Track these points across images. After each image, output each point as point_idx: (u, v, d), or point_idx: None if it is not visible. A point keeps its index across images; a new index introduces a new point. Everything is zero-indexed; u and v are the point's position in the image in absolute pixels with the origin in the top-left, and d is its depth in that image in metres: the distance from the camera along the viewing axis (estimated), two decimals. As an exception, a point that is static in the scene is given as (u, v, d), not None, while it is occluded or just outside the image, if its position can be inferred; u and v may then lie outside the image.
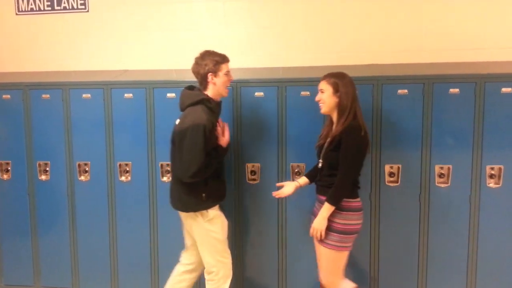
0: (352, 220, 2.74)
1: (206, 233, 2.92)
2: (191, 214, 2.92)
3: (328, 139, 2.78)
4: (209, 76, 2.83)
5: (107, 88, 3.43)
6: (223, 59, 2.86)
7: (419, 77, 3.10)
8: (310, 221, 2.86)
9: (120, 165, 3.48)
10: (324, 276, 2.84)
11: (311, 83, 3.16)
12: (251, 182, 3.32)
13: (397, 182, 3.16)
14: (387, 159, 3.15)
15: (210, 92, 2.87)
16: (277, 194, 2.95)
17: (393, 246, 3.22)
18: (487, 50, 3.30)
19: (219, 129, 2.92)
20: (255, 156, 3.30)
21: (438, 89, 3.07)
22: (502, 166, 3.08)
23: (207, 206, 2.89)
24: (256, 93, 3.27)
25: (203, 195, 2.86)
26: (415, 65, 3.42)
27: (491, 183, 3.10)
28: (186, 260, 3.13)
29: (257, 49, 3.58)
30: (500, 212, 3.10)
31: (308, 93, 3.20)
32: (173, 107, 3.33)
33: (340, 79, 2.74)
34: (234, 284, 3.14)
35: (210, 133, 2.78)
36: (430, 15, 3.44)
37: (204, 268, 3.02)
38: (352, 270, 3.16)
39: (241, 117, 3.29)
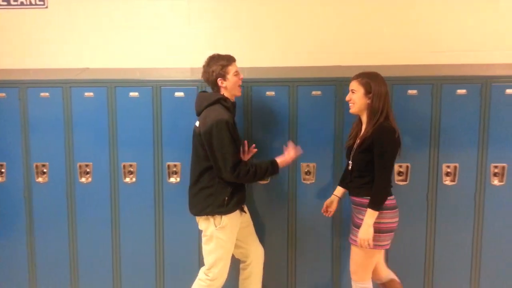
0: (386, 219, 2.65)
1: (216, 240, 2.82)
2: (205, 218, 2.81)
3: (358, 141, 2.70)
4: (219, 81, 2.78)
5: (66, 87, 3.23)
6: (229, 60, 2.79)
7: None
8: (349, 227, 2.82)
9: (80, 166, 3.29)
10: (353, 270, 2.77)
11: (277, 84, 3.10)
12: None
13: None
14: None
15: (223, 93, 2.82)
16: (328, 214, 2.94)
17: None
18: (444, 53, 3.35)
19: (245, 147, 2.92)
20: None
21: (397, 91, 3.07)
22: (457, 164, 3.13)
23: (225, 211, 2.79)
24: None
25: (226, 198, 2.76)
26: (378, 67, 3.40)
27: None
28: (243, 260, 3.04)
29: (223, 49, 3.44)
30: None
31: (273, 93, 3.13)
32: (136, 107, 3.21)
33: (372, 79, 2.64)
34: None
35: (233, 130, 2.72)
36: (391, 18, 3.46)
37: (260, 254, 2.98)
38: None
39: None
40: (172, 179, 3.26)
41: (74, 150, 3.28)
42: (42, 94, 3.24)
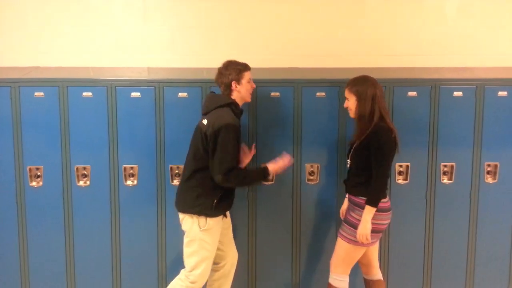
0: (379, 220, 2.66)
1: (199, 242, 2.71)
2: (191, 216, 2.70)
3: (357, 141, 2.70)
4: (233, 84, 2.73)
5: (15, 86, 2.98)
6: (245, 67, 2.77)
7: (336, 81, 3.06)
8: (340, 219, 2.82)
9: (30, 169, 3.04)
10: (334, 260, 2.77)
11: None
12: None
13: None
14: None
15: (234, 98, 2.76)
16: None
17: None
18: (396, 56, 3.38)
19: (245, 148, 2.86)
20: (180, 157, 3.05)
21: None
22: (409, 164, 3.16)
23: (211, 214, 2.70)
24: (180, 94, 3.03)
25: (215, 201, 2.67)
26: (333, 70, 3.40)
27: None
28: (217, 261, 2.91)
29: (180, 48, 3.34)
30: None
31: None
32: (89, 107, 3.01)
33: (360, 85, 2.66)
34: None
35: (239, 137, 2.71)
36: (346, 23, 3.45)
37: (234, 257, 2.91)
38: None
39: (165, 118, 3.03)
40: (129, 182, 3.08)
41: (24, 152, 3.04)
42: (-13, 93, 2.98)
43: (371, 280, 2.89)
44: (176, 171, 3.08)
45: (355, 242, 2.68)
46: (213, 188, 2.68)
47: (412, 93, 3.11)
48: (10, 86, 2.98)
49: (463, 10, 3.38)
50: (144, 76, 3.18)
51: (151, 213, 3.10)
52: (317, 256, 3.20)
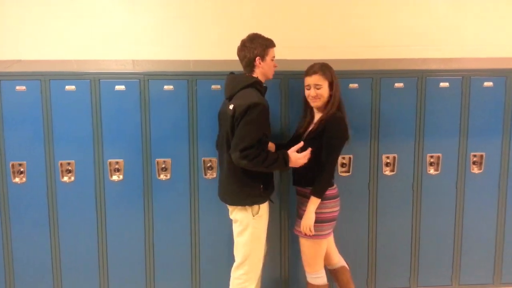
0: (328, 208, 2.56)
1: (252, 230, 2.56)
2: (242, 207, 2.55)
3: (310, 128, 2.56)
4: (257, 60, 2.52)
5: (-5, 80, 2.82)
6: (271, 43, 2.57)
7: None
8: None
9: (13, 165, 2.88)
10: (305, 265, 2.67)
11: (222, 77, 2.87)
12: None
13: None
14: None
15: (256, 75, 2.56)
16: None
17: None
18: (382, 47, 3.28)
19: None
20: (167, 150, 2.93)
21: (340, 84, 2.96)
22: (396, 155, 3.08)
23: (263, 199, 2.56)
24: (166, 87, 2.89)
25: (261, 186, 2.52)
26: (319, 61, 3.27)
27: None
28: None
29: (167, 40, 3.17)
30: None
31: (219, 86, 2.89)
32: (72, 101, 2.85)
33: (330, 69, 2.53)
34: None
35: (268, 115, 2.49)
36: (331, 14, 3.34)
37: None
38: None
39: (150, 111, 2.89)
40: (115, 177, 2.94)
41: (6, 148, 2.87)
42: (-33, 88, 2.80)
43: (335, 269, 2.80)
44: (163, 165, 2.94)
45: (314, 236, 2.56)
46: (255, 174, 2.51)
47: (399, 85, 3.02)
48: (-10, 80, 2.82)
49: (449, 1, 3.30)
50: (129, 69, 3.03)
51: (138, 209, 2.97)
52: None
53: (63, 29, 3.25)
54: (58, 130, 2.87)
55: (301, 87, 2.66)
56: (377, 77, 3.00)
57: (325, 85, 2.53)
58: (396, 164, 3.07)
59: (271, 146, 2.77)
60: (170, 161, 2.94)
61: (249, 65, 2.56)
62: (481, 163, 3.11)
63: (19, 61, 3.21)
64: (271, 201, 2.70)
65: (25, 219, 2.93)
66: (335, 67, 3.08)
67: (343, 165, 3.05)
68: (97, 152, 2.91)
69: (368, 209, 3.09)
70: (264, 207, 2.60)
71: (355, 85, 3.00)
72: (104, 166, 2.92)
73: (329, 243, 2.74)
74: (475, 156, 3.10)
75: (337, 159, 2.57)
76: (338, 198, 2.63)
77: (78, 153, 2.90)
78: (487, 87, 3.05)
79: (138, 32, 3.18)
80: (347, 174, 3.05)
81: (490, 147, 3.10)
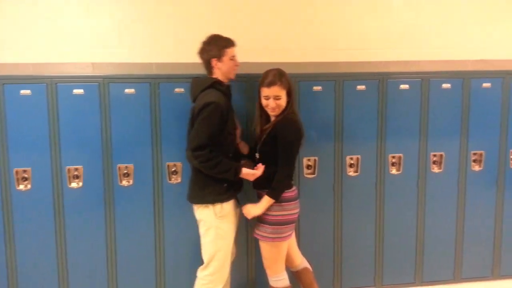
0: (287, 211, 2.51)
1: (215, 230, 2.49)
2: (205, 206, 2.49)
3: (265, 133, 2.50)
4: (213, 61, 2.51)
5: None
6: (229, 43, 2.54)
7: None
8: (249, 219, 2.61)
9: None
10: (266, 267, 2.61)
11: (186, 80, 2.80)
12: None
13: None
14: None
15: (216, 76, 2.55)
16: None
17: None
18: (344, 50, 3.28)
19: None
20: (128, 156, 2.82)
21: (304, 87, 2.95)
22: (359, 156, 3.09)
23: (226, 198, 2.50)
24: (127, 90, 2.78)
25: (225, 185, 2.47)
26: (283, 64, 3.23)
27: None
28: None
29: (128, 43, 3.03)
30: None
31: (182, 90, 2.81)
32: (28, 105, 2.70)
33: (286, 75, 2.48)
34: None
35: (226, 115, 2.45)
36: (294, 17, 3.30)
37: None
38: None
39: (111, 116, 2.78)
40: (74, 184, 2.80)
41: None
42: None
43: (297, 271, 2.77)
44: (125, 171, 2.83)
45: (274, 239, 2.52)
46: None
47: (361, 87, 3.03)
48: None
49: (408, 4, 3.33)
50: (88, 72, 2.90)
51: (98, 216, 2.84)
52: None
53: (19, 32, 3.06)
54: (13, 137, 2.71)
55: (256, 93, 2.58)
56: (339, 80, 3.00)
57: (283, 95, 2.47)
58: (359, 165, 3.08)
59: (244, 147, 2.72)
60: (133, 167, 2.83)
61: (207, 66, 2.56)
62: (440, 163, 3.16)
63: (-30, 64, 3.01)
64: (237, 202, 2.65)
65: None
66: (298, 70, 3.08)
67: (308, 167, 3.03)
68: (55, 159, 2.76)
69: (334, 209, 3.08)
70: (228, 207, 2.54)
71: (319, 88, 2.99)
72: (63, 173, 2.77)
73: (290, 245, 2.70)
74: (435, 155, 3.15)
75: (293, 161, 2.51)
76: (298, 200, 2.59)
77: (34, 160, 2.75)
78: (446, 89, 3.11)
79: (97, 35, 3.02)
80: (313, 176, 3.04)
81: (449, 147, 3.16)
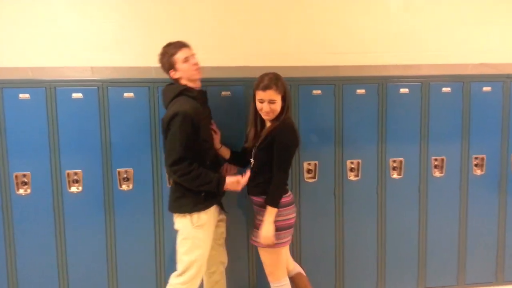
0: (284, 216, 2.47)
1: (192, 240, 2.45)
2: (183, 215, 2.44)
3: (261, 138, 2.47)
4: (171, 73, 2.47)
5: None
6: (175, 48, 2.45)
7: (288, 79, 2.90)
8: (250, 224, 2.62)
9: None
10: (268, 273, 2.58)
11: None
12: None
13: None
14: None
15: (182, 82, 2.47)
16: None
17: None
18: (344, 54, 3.28)
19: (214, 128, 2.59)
20: (128, 160, 2.80)
21: (303, 91, 2.92)
22: (360, 160, 3.06)
23: (203, 207, 2.44)
24: (126, 94, 2.76)
25: (202, 194, 2.41)
26: (283, 68, 3.24)
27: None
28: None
29: (127, 46, 3.05)
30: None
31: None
32: (27, 109, 2.69)
33: (281, 80, 2.43)
34: None
35: (198, 122, 2.38)
36: (293, 21, 3.32)
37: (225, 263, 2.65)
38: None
39: (110, 120, 2.76)
40: (74, 189, 2.78)
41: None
42: None
43: (291, 277, 2.73)
44: (124, 175, 2.81)
45: (278, 244, 2.49)
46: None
47: (361, 91, 3.01)
48: None
49: (407, 7, 3.33)
50: (86, 76, 2.89)
51: (99, 221, 2.81)
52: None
53: (18, 36, 3.08)
54: (12, 141, 2.69)
55: (250, 98, 2.56)
56: (339, 84, 2.98)
57: (278, 100, 2.43)
58: (360, 169, 3.05)
59: (225, 151, 2.69)
60: (132, 171, 2.82)
61: (171, 78, 2.52)
62: (442, 167, 3.13)
63: (-31, 69, 3.02)
64: (224, 211, 2.62)
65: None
66: (297, 74, 3.07)
67: (309, 171, 3.00)
68: (54, 163, 2.74)
69: (335, 214, 3.04)
70: (206, 217, 2.49)
71: (318, 92, 2.97)
72: (62, 177, 2.76)
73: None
74: (436, 160, 3.12)
75: (289, 166, 2.49)
76: (293, 205, 2.56)
77: (34, 164, 2.73)
78: (446, 93, 3.09)
79: (96, 39, 3.04)
80: (313, 180, 3.01)
81: (450, 151, 3.13)
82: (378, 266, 3.13)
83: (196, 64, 2.51)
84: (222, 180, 2.45)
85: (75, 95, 2.72)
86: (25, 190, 2.74)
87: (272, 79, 2.44)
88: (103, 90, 2.72)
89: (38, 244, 2.78)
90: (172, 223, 2.69)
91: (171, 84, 2.56)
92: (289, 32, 3.29)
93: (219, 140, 2.68)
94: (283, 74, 2.99)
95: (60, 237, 2.79)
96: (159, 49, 3.09)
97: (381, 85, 3.02)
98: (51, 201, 2.77)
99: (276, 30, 3.27)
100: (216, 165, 2.60)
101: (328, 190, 3.03)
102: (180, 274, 2.50)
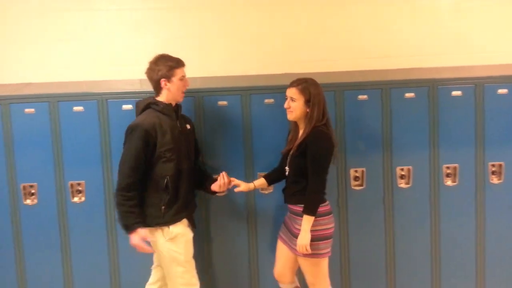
0: (323, 225, 2.44)
1: (168, 253, 2.42)
2: (154, 229, 2.42)
3: (295, 144, 2.47)
4: (162, 82, 2.43)
5: (5, 104, 2.78)
6: (178, 63, 2.45)
7: (333, 85, 2.85)
8: (282, 231, 2.60)
9: (24, 187, 2.84)
10: (309, 285, 2.54)
11: (229, 93, 2.81)
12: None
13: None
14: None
15: (163, 97, 2.47)
16: (237, 189, 2.62)
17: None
18: (390, 58, 3.19)
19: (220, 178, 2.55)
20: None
21: (348, 96, 2.86)
22: (411, 167, 2.94)
23: (167, 221, 2.40)
24: (172, 104, 2.84)
25: (162, 207, 2.39)
26: (329, 74, 3.20)
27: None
28: (151, 278, 2.62)
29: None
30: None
31: (225, 102, 2.82)
32: (81, 122, 2.81)
33: (312, 87, 2.42)
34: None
35: (155, 136, 2.36)
36: (338, 27, 3.28)
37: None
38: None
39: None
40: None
41: (17, 170, 2.83)
42: (-22, 112, 2.79)
43: None
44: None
45: (313, 255, 2.43)
46: (155, 194, 2.41)
47: (410, 95, 2.90)
48: (0, 104, 2.80)
49: (457, 8, 3.20)
50: (136, 88, 2.99)
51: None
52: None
53: (72, 52, 3.25)
54: (67, 151, 2.82)
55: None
56: (386, 88, 2.89)
57: (300, 101, 2.42)
58: (411, 176, 2.93)
59: (260, 182, 2.66)
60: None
61: (156, 87, 2.48)
62: (500, 173, 2.94)
63: (29, 84, 3.20)
64: (192, 224, 2.55)
65: (36, 240, 2.87)
66: (343, 79, 3.00)
67: (356, 178, 2.92)
68: (106, 171, 2.85)
69: (384, 223, 2.94)
70: (176, 230, 2.43)
71: (364, 97, 2.90)
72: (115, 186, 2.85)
73: (288, 258, 2.58)
74: (493, 165, 2.94)
75: (324, 174, 2.43)
76: (331, 215, 2.50)
77: (87, 173, 2.85)
78: (502, 95, 2.91)
79: (142, 53, 3.11)
80: (361, 187, 2.92)
81: (509, 155, 2.93)
82: (432, 278, 2.98)
83: (187, 86, 2.52)
84: (130, 230, 2.36)
85: (125, 107, 2.81)
86: (80, 198, 2.86)
87: (300, 80, 2.46)
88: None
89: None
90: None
91: (141, 99, 2.56)
92: (333, 37, 3.25)
93: (240, 182, 2.63)
94: (326, 80, 2.97)
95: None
96: (202, 60, 3.19)
97: (432, 88, 2.89)
98: (103, 209, 2.86)
99: (319, 36, 3.25)
100: (186, 178, 2.49)
101: (377, 198, 2.93)
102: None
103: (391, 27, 3.22)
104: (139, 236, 2.36)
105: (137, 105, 2.55)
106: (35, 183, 2.85)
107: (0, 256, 2.87)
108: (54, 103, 2.80)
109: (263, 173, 2.76)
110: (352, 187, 2.92)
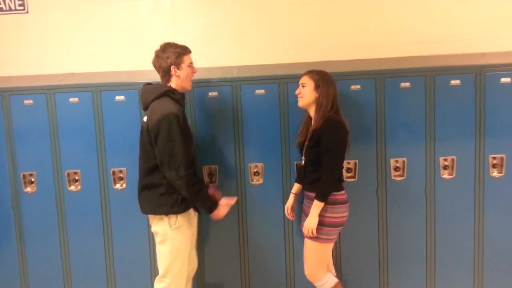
0: (338, 213, 2.50)
1: (171, 242, 2.48)
2: (159, 217, 2.47)
3: (308, 136, 2.52)
4: (172, 69, 2.44)
5: (50, 93, 2.88)
6: (185, 50, 2.48)
7: (373, 72, 2.78)
8: (300, 218, 2.67)
9: (68, 174, 2.94)
10: (308, 267, 2.62)
11: (266, 81, 2.78)
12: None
13: (355, 178, 2.85)
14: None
15: (173, 85, 2.48)
16: (292, 216, 2.76)
17: (355, 240, 2.90)
18: (434, 43, 3.05)
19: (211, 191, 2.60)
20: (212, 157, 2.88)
21: (389, 84, 2.77)
22: (454, 157, 2.83)
23: (180, 210, 2.46)
24: (210, 93, 2.83)
25: (178, 196, 2.43)
26: (367, 61, 3.12)
27: (445, 174, 2.84)
28: None
29: (209, 48, 3.14)
30: (455, 202, 2.84)
31: (263, 91, 2.80)
32: (122, 110, 2.87)
33: (322, 76, 2.51)
34: None
35: (184, 125, 2.40)
36: (377, 11, 3.16)
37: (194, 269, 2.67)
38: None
39: (196, 118, 2.85)
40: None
41: (61, 158, 2.93)
42: (25, 101, 2.89)
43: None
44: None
45: (324, 240, 2.51)
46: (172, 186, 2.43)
47: (455, 82, 2.78)
48: (46, 93, 2.89)
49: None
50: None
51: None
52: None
53: (112, 42, 3.31)
54: (109, 139, 2.89)
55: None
56: (431, 75, 2.78)
57: (309, 86, 2.50)
58: (455, 167, 2.82)
59: (297, 188, 2.70)
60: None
61: (165, 75, 2.46)
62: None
63: (72, 74, 3.29)
64: (197, 212, 2.59)
65: (80, 226, 2.97)
66: (384, 66, 2.91)
67: (396, 168, 2.83)
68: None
69: (426, 216, 2.86)
70: (184, 219, 2.47)
71: (407, 84, 2.80)
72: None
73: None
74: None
75: (340, 161, 2.48)
76: (347, 204, 2.54)
77: (129, 161, 2.90)
78: (556, 80, 2.74)
79: (182, 42, 3.16)
80: (401, 178, 2.84)
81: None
82: (474, 271, 2.88)
83: (194, 72, 2.52)
84: (214, 207, 2.50)
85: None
86: (121, 185, 2.92)
87: (313, 70, 2.56)
88: (190, 91, 2.79)
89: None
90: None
91: (149, 83, 2.55)
92: (373, 23, 3.14)
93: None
94: (366, 67, 2.89)
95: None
96: (238, 49, 3.16)
97: (479, 74, 2.76)
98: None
99: (360, 22, 3.14)
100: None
101: (418, 189, 2.85)
102: (163, 277, 2.53)
103: (434, 11, 3.07)
104: (223, 205, 2.54)
105: (144, 92, 2.50)
106: (79, 170, 2.94)
107: (46, 241, 2.99)
108: (97, 92, 2.86)
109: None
110: (393, 177, 2.84)
